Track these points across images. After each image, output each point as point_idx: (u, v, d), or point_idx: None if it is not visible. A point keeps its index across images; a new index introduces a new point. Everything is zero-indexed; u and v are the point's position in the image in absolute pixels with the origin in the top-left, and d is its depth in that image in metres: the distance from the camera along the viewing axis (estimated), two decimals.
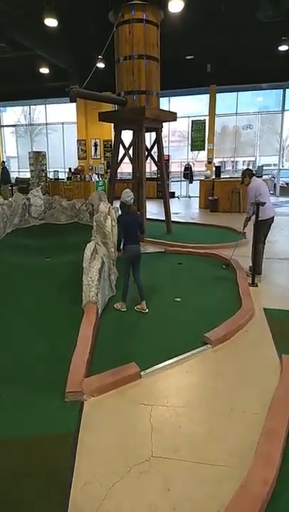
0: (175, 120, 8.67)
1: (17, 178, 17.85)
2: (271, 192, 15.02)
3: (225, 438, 2.30)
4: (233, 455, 2.15)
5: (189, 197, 15.54)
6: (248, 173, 5.36)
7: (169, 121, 8.84)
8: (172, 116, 8.50)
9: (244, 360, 3.21)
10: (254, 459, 2.06)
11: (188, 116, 15.99)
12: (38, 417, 2.47)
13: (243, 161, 18.80)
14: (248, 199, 5.32)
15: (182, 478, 2.00)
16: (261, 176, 13.30)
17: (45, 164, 16.03)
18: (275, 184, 15.64)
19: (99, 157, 17.41)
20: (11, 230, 8.46)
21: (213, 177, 13.13)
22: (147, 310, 4.11)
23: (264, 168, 15.54)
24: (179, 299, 4.48)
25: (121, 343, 3.48)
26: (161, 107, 8.35)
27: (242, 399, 2.67)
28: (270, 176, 15.91)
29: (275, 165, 17.22)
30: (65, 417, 2.46)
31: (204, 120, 15.52)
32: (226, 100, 16.20)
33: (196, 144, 15.69)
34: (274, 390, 2.68)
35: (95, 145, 17.43)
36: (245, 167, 18.79)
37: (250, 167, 17.72)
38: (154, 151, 8.62)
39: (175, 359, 3.15)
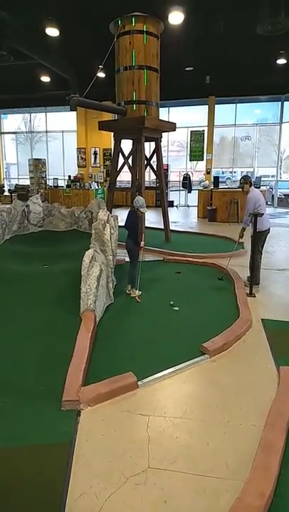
0: (174, 130, 8.77)
1: (16, 185, 17.92)
2: (269, 203, 15.16)
3: (222, 450, 2.28)
4: (230, 467, 2.14)
5: (188, 206, 15.63)
6: (249, 181, 5.34)
7: (168, 131, 8.93)
8: (171, 127, 8.59)
9: (242, 371, 3.20)
10: (251, 471, 2.04)
11: (188, 127, 16.17)
12: (34, 426, 2.44)
13: (241, 172, 18.97)
14: (246, 209, 5.31)
15: (179, 490, 1.98)
16: (259, 187, 13.43)
17: (45, 171, 16.13)
18: (273, 195, 15.77)
19: (98, 165, 17.53)
20: (10, 237, 8.46)
21: (212, 187, 13.23)
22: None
23: (262, 179, 15.68)
24: (176, 308, 4.48)
25: (118, 352, 3.46)
26: (160, 117, 8.44)
27: (239, 410, 2.66)
28: (268, 187, 16.04)
29: (273, 176, 17.39)
30: (61, 426, 2.44)
31: (203, 131, 15.70)
32: (224, 111, 16.41)
33: (195, 154, 15.84)
34: (271, 401, 2.67)
35: (95, 153, 17.56)
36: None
37: None
38: (154, 161, 8.69)
39: (172, 369, 3.14)
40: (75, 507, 1.87)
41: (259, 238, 5.16)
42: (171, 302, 4.61)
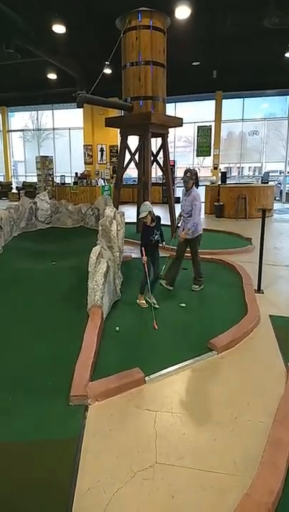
0: (181, 126, 8.71)
1: (24, 182, 18.02)
2: (277, 198, 15.00)
3: (229, 446, 2.27)
4: (238, 463, 2.13)
5: None
6: (196, 176, 4.74)
7: (174, 126, 8.88)
8: (178, 122, 8.54)
9: (249, 367, 3.18)
10: (259, 468, 2.03)
11: (195, 122, 16.05)
12: (42, 421, 2.46)
13: (249, 167, 18.81)
14: (197, 209, 4.72)
15: (186, 486, 1.98)
16: (268, 182, 13.31)
17: (52, 169, 16.16)
18: (281, 190, 15.61)
19: (105, 162, 17.52)
20: (18, 234, 8.52)
21: (219, 183, 13.14)
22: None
23: (270, 174, 15.52)
24: (184, 305, 4.47)
25: (126, 348, 3.47)
26: (167, 113, 8.39)
27: (247, 407, 2.64)
28: (276, 182, 15.89)
29: (281, 171, 17.20)
30: (69, 421, 2.45)
31: (210, 126, 15.57)
32: (232, 106, 16.25)
33: (202, 150, 15.73)
34: (279, 398, 2.65)
35: (101, 150, 17.54)
36: (251, 173, 18.83)
37: (256, 173, 17.73)
38: (160, 157, 8.65)
39: (180, 365, 3.13)
40: (83, 501, 1.88)
41: (197, 242, 4.97)
42: (179, 300, 4.60)
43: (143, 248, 4.20)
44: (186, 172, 4.77)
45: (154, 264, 4.47)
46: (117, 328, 3.77)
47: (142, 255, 4.17)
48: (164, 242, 4.48)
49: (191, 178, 4.72)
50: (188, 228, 4.75)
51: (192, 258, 5.03)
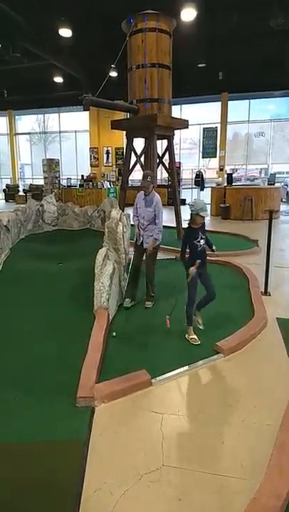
0: (187, 128, 8.71)
1: (31, 184, 18.15)
2: (284, 200, 14.89)
3: (236, 449, 2.26)
4: (245, 467, 2.11)
5: None
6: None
7: (180, 128, 8.88)
8: (184, 124, 8.54)
9: (256, 370, 3.16)
10: (267, 471, 2.02)
11: (200, 124, 16.05)
12: (49, 422, 2.47)
13: (255, 169, 18.71)
14: (160, 213, 4.37)
15: (193, 489, 1.97)
16: (274, 184, 13.22)
17: (59, 171, 16.26)
18: (287, 192, 15.51)
19: (111, 164, 17.59)
20: (25, 236, 8.58)
21: (225, 184, 13.10)
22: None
23: (277, 176, 15.43)
24: None
25: (132, 350, 3.47)
26: (172, 115, 8.40)
27: (254, 409, 2.62)
28: (282, 183, 15.79)
29: (287, 173, 17.10)
30: (76, 422, 2.46)
31: (216, 127, 15.55)
32: (237, 107, 16.22)
33: (208, 151, 15.71)
34: (287, 401, 2.63)
35: (107, 153, 17.62)
36: (257, 175, 18.73)
37: (262, 175, 17.64)
38: (166, 159, 8.66)
39: (186, 367, 3.12)
40: (90, 502, 1.88)
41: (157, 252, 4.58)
42: (185, 302, 4.58)
43: (184, 254, 3.51)
44: (146, 176, 4.31)
45: (203, 278, 3.63)
46: (114, 334, 3.71)
47: (188, 264, 3.42)
48: (214, 247, 3.79)
49: (152, 182, 4.33)
50: (156, 238, 4.30)
51: (148, 269, 4.45)
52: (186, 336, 3.62)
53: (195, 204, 3.47)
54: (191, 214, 3.49)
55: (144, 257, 4.48)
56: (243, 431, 2.41)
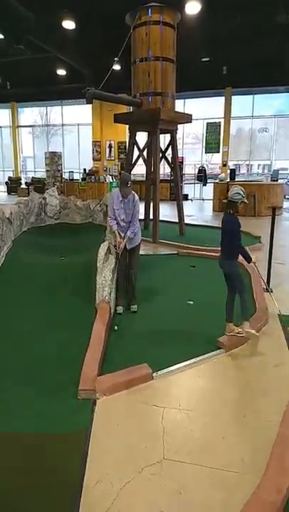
0: (190, 122, 8.66)
1: (33, 177, 18.12)
2: (287, 197, 14.83)
3: (237, 444, 2.27)
4: (246, 462, 2.12)
5: (203, 199, 15.48)
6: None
7: (183, 123, 8.82)
8: (187, 118, 8.49)
9: (257, 366, 3.17)
10: (268, 466, 2.02)
11: (204, 119, 15.95)
12: (50, 414, 2.48)
13: (258, 165, 18.63)
14: (137, 214, 4.18)
15: (194, 483, 1.98)
16: (277, 180, 13.17)
17: (61, 165, 16.22)
18: None
19: (113, 158, 17.53)
20: (27, 229, 8.56)
21: (228, 180, 13.04)
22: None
23: (280, 172, 15.35)
24: (191, 302, 4.46)
25: (133, 344, 3.48)
26: (176, 109, 8.34)
27: (255, 405, 2.63)
28: (285, 180, 15.71)
29: None
30: (78, 414, 2.47)
31: (219, 122, 15.47)
32: (241, 103, 16.10)
33: (211, 147, 15.64)
34: (288, 397, 2.64)
35: (110, 146, 17.55)
36: (260, 171, 18.63)
37: (266, 171, 17.56)
38: (168, 153, 8.62)
39: (187, 362, 3.13)
40: (91, 494, 1.90)
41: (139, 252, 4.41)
42: (186, 298, 4.59)
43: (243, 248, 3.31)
44: (126, 182, 3.99)
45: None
46: (116, 327, 3.73)
47: (249, 260, 3.31)
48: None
49: (131, 186, 4.07)
50: (128, 236, 4.11)
51: (133, 271, 4.25)
52: (245, 329, 3.40)
53: (242, 191, 3.28)
54: (233, 201, 3.28)
55: (127, 260, 4.29)
56: (244, 426, 2.42)
